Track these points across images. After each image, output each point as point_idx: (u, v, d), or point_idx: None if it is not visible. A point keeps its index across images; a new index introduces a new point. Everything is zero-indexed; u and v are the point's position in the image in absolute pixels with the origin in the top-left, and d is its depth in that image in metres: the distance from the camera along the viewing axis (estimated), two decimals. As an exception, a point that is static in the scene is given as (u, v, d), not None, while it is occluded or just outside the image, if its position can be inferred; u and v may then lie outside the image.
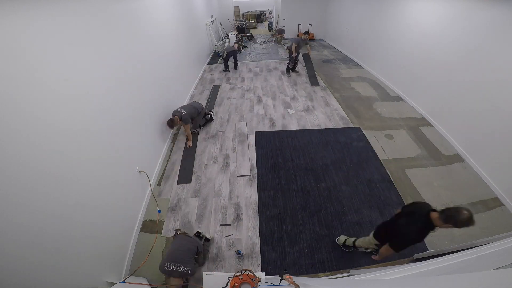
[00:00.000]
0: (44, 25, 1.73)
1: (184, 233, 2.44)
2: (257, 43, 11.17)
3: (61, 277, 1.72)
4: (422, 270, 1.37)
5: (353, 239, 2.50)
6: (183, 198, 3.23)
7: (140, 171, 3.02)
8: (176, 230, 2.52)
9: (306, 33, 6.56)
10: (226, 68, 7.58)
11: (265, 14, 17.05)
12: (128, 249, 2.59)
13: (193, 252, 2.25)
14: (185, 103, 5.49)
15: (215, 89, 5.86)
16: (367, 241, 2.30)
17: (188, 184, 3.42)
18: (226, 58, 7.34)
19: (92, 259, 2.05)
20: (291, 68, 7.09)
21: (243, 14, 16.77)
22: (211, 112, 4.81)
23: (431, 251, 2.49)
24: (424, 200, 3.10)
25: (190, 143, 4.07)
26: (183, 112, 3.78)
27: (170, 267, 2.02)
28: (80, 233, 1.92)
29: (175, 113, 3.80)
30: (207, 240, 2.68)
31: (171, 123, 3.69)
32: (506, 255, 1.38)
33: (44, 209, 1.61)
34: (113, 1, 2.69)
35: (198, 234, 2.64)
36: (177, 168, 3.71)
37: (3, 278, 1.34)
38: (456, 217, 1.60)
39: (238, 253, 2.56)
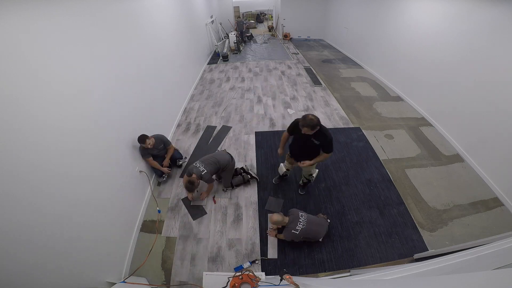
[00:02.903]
0: (44, 25, 1.73)
1: (225, 150, 3.12)
2: (257, 43, 11.17)
3: (61, 277, 1.72)
4: (422, 270, 1.37)
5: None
6: (183, 198, 3.22)
7: (140, 171, 3.02)
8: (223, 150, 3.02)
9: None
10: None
11: (265, 14, 17.07)
12: (128, 249, 2.59)
13: (221, 164, 2.83)
14: (185, 102, 5.49)
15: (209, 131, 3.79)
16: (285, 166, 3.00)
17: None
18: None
19: (92, 259, 2.05)
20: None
21: (243, 14, 16.76)
22: (249, 172, 3.33)
23: (431, 251, 2.49)
24: (424, 201, 3.10)
25: (205, 195, 3.13)
26: (202, 169, 2.73)
27: (197, 165, 2.73)
28: (80, 233, 1.92)
29: (192, 170, 2.73)
30: (250, 176, 3.24)
31: (190, 186, 2.66)
32: (506, 255, 1.38)
33: (44, 209, 1.61)
34: (112, 1, 2.69)
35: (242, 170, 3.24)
36: (177, 168, 3.70)
37: (4, 278, 1.34)
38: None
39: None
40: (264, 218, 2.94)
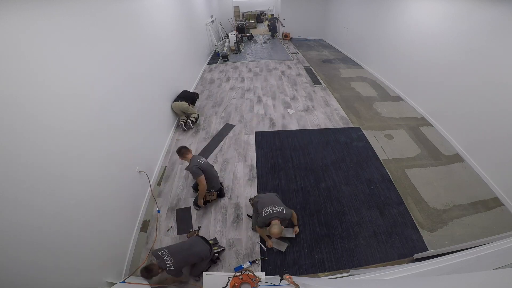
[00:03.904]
0: (44, 25, 1.73)
1: (200, 236, 2.47)
2: (257, 43, 11.17)
3: (61, 277, 1.71)
4: (422, 270, 1.37)
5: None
6: (183, 198, 3.22)
7: (140, 171, 3.02)
8: (194, 231, 2.59)
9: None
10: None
11: (265, 14, 17.07)
12: (128, 249, 2.59)
13: (198, 257, 2.27)
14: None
15: (184, 213, 2.99)
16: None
17: (187, 185, 3.42)
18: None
19: (92, 259, 2.05)
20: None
21: (243, 14, 16.77)
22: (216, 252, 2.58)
23: (431, 251, 2.49)
24: (424, 201, 3.10)
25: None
26: (169, 264, 2.13)
27: (163, 256, 2.13)
28: (80, 233, 1.92)
29: (157, 257, 2.19)
30: (220, 248, 2.57)
31: (145, 274, 2.14)
32: (506, 255, 1.38)
33: (44, 209, 1.61)
34: (112, 1, 2.69)
35: (213, 242, 2.60)
36: (177, 168, 3.71)
37: (4, 278, 1.34)
38: None
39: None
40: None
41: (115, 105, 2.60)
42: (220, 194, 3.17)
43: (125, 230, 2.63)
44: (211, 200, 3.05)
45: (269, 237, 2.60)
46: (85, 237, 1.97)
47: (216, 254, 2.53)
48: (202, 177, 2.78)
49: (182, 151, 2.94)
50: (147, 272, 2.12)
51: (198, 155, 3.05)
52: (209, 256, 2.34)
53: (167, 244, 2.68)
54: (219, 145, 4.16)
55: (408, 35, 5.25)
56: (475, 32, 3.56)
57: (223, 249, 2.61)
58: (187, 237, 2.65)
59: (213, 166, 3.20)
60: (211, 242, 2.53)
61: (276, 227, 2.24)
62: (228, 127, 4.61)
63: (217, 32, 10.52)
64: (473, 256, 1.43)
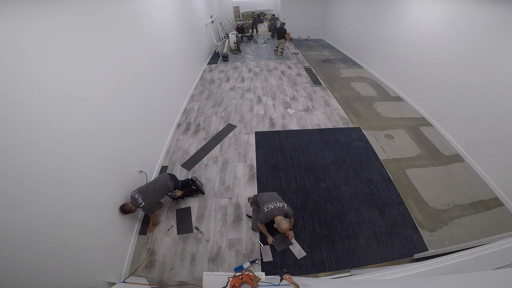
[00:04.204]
0: (44, 25, 1.73)
1: (169, 173, 2.91)
2: (257, 43, 11.17)
3: (61, 277, 1.72)
4: (422, 270, 1.37)
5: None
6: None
7: (140, 171, 3.02)
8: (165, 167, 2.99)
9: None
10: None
11: (265, 14, 17.07)
12: (128, 249, 2.59)
13: (162, 191, 2.73)
14: (185, 102, 5.49)
15: (184, 213, 3.03)
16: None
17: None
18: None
19: (92, 259, 2.05)
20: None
21: (243, 14, 16.77)
22: (194, 182, 3.17)
23: (431, 251, 2.49)
24: (424, 201, 3.10)
25: (153, 228, 2.82)
26: (140, 201, 2.50)
27: (135, 196, 2.51)
28: (80, 233, 1.92)
29: (130, 198, 2.55)
30: (195, 182, 3.10)
31: (123, 211, 2.49)
32: (506, 255, 1.38)
33: (43, 209, 1.61)
34: (112, 1, 2.69)
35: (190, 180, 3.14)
36: (177, 168, 3.71)
37: (4, 279, 1.34)
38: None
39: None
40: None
41: (115, 105, 2.60)
42: (196, 190, 3.17)
43: (125, 230, 2.63)
44: (179, 197, 3.01)
45: (271, 233, 2.64)
46: (85, 237, 1.97)
47: (194, 188, 3.12)
48: (154, 215, 2.74)
49: (125, 209, 2.49)
50: (122, 211, 2.50)
51: (132, 193, 2.58)
52: (171, 186, 2.81)
53: (167, 245, 2.69)
54: (218, 145, 4.16)
55: (408, 35, 5.25)
56: (475, 32, 3.56)
57: (203, 193, 3.14)
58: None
59: (152, 180, 2.85)
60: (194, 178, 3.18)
61: (284, 222, 2.30)
62: (229, 128, 4.61)
63: (217, 32, 10.52)
64: (473, 256, 1.43)
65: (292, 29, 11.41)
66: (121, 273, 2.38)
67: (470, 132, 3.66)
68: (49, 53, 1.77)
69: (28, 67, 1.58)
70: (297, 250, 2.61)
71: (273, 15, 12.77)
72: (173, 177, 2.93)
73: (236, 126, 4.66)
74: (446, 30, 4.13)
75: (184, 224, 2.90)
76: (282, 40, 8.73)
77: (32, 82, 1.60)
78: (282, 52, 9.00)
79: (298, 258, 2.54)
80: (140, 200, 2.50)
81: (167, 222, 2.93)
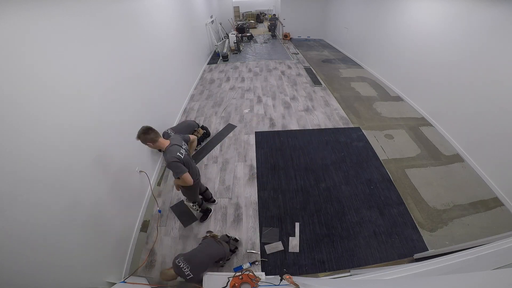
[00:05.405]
0: (44, 25, 1.73)
1: (215, 236, 2.39)
2: (257, 43, 11.17)
3: (61, 277, 1.71)
4: (422, 270, 1.37)
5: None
6: (183, 198, 3.22)
7: (140, 171, 3.02)
8: (208, 232, 2.52)
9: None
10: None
11: (265, 14, 17.07)
12: (128, 249, 2.59)
13: (215, 258, 2.20)
14: (185, 102, 5.49)
15: (180, 207, 3.08)
16: None
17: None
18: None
19: (92, 259, 2.05)
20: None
21: (243, 14, 16.77)
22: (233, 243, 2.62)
23: (431, 251, 2.49)
24: (424, 201, 3.10)
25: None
26: (188, 272, 1.99)
27: (180, 264, 1.98)
28: (80, 233, 1.92)
29: (175, 266, 2.03)
30: (235, 240, 2.61)
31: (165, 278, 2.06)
32: (506, 255, 1.38)
33: (43, 209, 1.61)
34: (112, 1, 2.69)
35: (227, 237, 2.56)
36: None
37: (3, 278, 1.34)
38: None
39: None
40: (264, 218, 2.94)
41: (115, 104, 2.60)
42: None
43: (125, 230, 2.63)
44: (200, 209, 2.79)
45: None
46: (84, 237, 1.97)
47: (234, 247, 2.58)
48: (187, 174, 2.10)
49: (148, 137, 2.02)
50: (164, 278, 2.03)
51: (174, 136, 2.25)
52: (225, 254, 2.29)
53: (167, 244, 2.69)
54: (218, 145, 4.16)
55: (408, 35, 5.25)
56: (475, 32, 3.56)
57: (238, 241, 2.66)
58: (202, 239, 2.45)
59: (202, 246, 2.32)
60: (230, 238, 2.58)
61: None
62: (229, 127, 4.62)
63: (217, 32, 10.52)
64: (473, 256, 1.43)
65: (292, 29, 11.43)
66: (121, 273, 2.38)
67: (470, 132, 3.66)
68: (49, 53, 1.77)
69: (28, 67, 1.58)
70: (294, 245, 2.62)
71: (274, 15, 12.79)
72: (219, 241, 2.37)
73: (236, 126, 4.66)
74: (446, 30, 4.13)
75: (187, 215, 2.95)
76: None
77: (33, 82, 1.60)
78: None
79: (289, 251, 2.56)
80: (187, 271, 1.99)
81: (168, 222, 2.93)
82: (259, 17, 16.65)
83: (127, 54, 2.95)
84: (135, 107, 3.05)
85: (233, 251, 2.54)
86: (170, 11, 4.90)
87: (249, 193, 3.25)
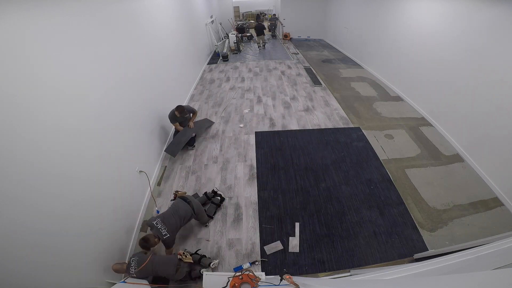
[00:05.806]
0: (44, 25, 1.73)
1: (183, 194, 2.68)
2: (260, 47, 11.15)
3: (61, 276, 1.72)
4: (422, 270, 1.37)
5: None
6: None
7: (140, 171, 3.02)
8: (174, 193, 2.71)
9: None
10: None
11: (265, 14, 17.06)
12: (128, 249, 2.59)
13: (184, 219, 2.48)
14: (185, 102, 5.49)
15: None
16: None
17: (187, 185, 3.42)
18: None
19: (92, 259, 2.05)
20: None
21: (243, 14, 16.77)
22: (218, 194, 3.14)
23: (431, 251, 2.49)
24: (424, 201, 3.10)
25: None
26: (165, 232, 2.26)
27: (157, 225, 2.27)
28: (80, 233, 1.92)
29: (151, 225, 2.30)
30: (217, 195, 3.08)
31: (144, 244, 2.18)
32: (506, 255, 1.38)
33: (43, 209, 1.61)
34: (112, 1, 2.69)
35: (212, 193, 3.09)
36: (177, 168, 3.71)
37: (3, 278, 1.34)
38: None
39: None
40: (264, 218, 2.94)
41: (115, 104, 2.60)
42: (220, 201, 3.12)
43: (125, 230, 2.63)
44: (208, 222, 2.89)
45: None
46: (84, 237, 1.97)
47: (219, 198, 3.07)
48: (171, 249, 2.43)
49: (148, 244, 2.18)
50: (145, 242, 2.17)
51: (154, 222, 2.32)
52: (192, 213, 2.56)
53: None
54: (218, 145, 4.16)
55: (408, 35, 5.24)
56: (475, 31, 3.56)
57: (224, 199, 3.11)
58: (171, 200, 2.79)
59: (173, 208, 2.52)
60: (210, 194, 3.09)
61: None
62: (206, 122, 4.70)
63: (217, 32, 10.52)
64: (473, 256, 1.43)
65: (292, 29, 11.43)
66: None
67: (470, 132, 3.66)
68: (50, 53, 1.77)
69: (28, 67, 1.58)
70: (294, 245, 2.62)
71: (274, 15, 12.80)
72: (191, 200, 2.63)
73: (213, 122, 4.78)
74: (446, 30, 4.13)
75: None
76: (262, 36, 10.03)
77: (33, 82, 1.60)
78: (264, 45, 10.22)
79: (289, 251, 2.58)
80: (164, 231, 2.23)
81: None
82: (259, 17, 16.64)
83: (127, 54, 2.96)
84: (135, 106, 3.05)
85: (218, 204, 3.03)
86: (170, 11, 4.90)
87: (249, 193, 3.25)
